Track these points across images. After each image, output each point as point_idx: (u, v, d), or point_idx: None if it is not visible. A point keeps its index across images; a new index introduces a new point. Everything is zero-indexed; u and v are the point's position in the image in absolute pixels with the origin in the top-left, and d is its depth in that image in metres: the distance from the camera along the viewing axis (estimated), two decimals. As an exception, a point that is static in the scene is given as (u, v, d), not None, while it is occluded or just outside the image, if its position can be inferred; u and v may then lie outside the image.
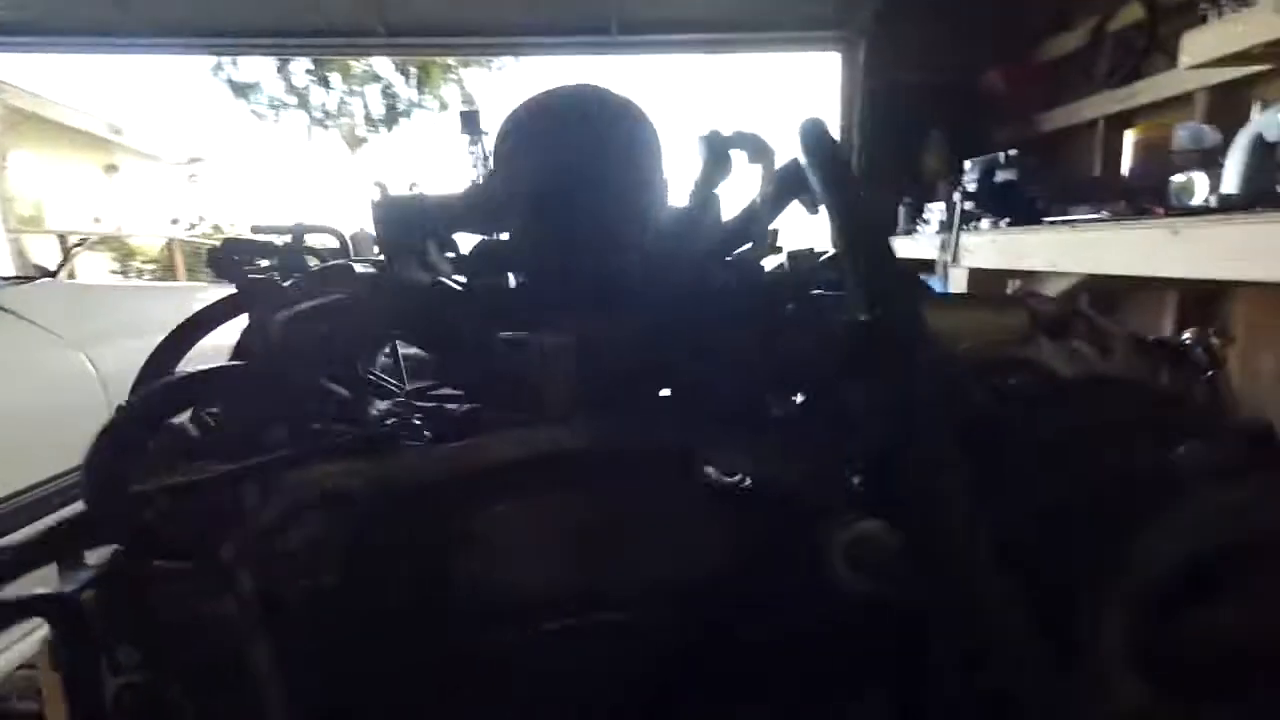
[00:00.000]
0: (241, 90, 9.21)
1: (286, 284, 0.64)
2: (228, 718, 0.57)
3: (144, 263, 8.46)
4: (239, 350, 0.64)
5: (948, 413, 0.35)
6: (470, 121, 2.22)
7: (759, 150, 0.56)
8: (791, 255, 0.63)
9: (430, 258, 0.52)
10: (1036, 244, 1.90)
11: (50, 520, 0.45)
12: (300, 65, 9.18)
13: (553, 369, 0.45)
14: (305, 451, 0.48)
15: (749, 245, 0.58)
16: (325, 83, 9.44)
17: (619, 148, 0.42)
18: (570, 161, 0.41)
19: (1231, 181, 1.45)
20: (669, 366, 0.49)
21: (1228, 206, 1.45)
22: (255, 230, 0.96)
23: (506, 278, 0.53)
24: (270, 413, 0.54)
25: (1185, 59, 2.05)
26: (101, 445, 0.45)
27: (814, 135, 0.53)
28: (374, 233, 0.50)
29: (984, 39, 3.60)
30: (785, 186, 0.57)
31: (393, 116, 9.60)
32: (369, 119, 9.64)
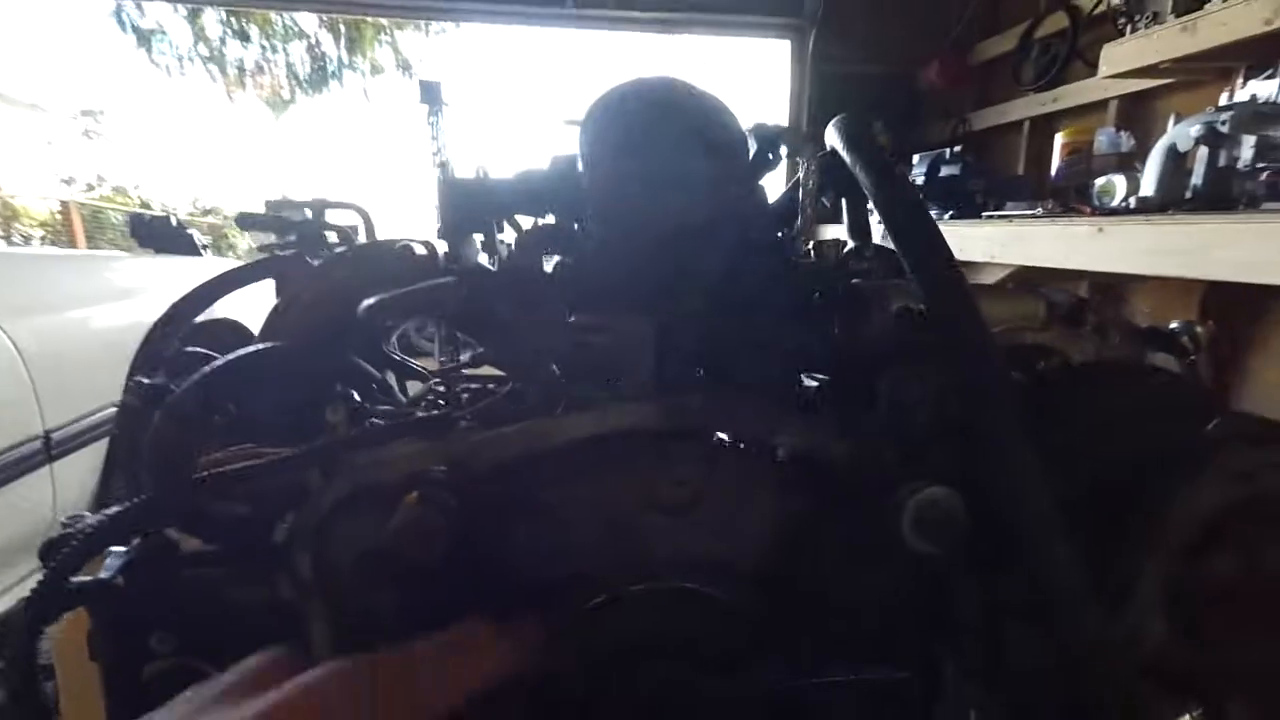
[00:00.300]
0: (144, 37, 8.27)
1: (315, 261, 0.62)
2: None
3: (31, 226, 7.52)
4: (268, 329, 0.62)
5: (1010, 389, 0.40)
6: (430, 92, 2.12)
7: (799, 142, 0.60)
8: (818, 246, 0.67)
9: (494, 241, 0.53)
10: (977, 237, 2.05)
11: (118, 506, 0.43)
12: (213, 15, 8.34)
13: (631, 351, 0.47)
14: (372, 432, 0.48)
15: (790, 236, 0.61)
16: (243, 36, 8.63)
17: (708, 141, 0.44)
18: (662, 153, 0.43)
19: (1149, 186, 1.62)
20: (731, 351, 0.52)
21: (1145, 209, 1.62)
22: (270, 206, 0.90)
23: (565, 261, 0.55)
24: (317, 395, 0.53)
25: (1104, 68, 2.25)
26: (163, 429, 0.43)
27: (852, 128, 0.57)
28: (438, 212, 0.50)
29: (924, 37, 3.80)
30: (824, 179, 0.61)
31: (320, 78, 8.92)
32: (293, 78, 8.91)
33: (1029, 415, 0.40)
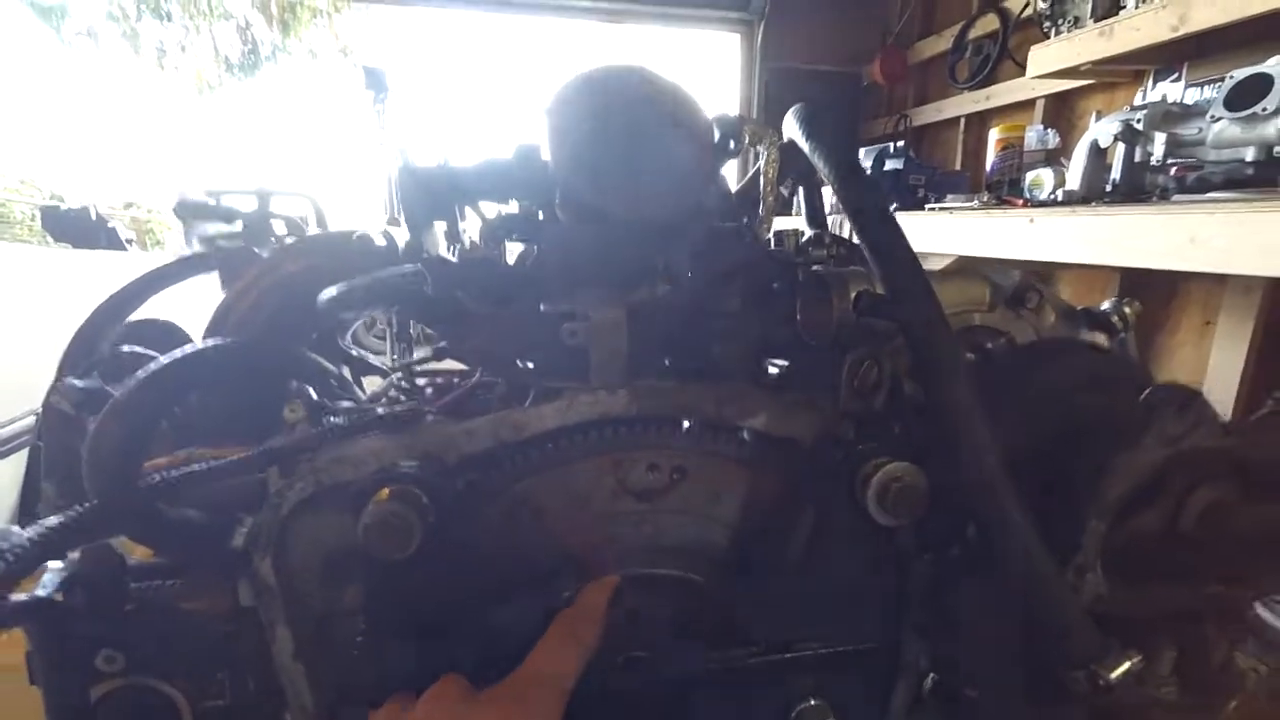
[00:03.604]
0: (45, 12, 7.58)
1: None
2: (230, 714, 0.54)
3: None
4: (215, 324, 0.59)
5: (960, 363, 0.42)
6: (374, 78, 2.06)
7: (759, 132, 0.61)
8: (779, 234, 0.69)
9: (456, 229, 0.52)
10: (919, 227, 2.14)
11: (58, 517, 0.40)
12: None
13: (605, 339, 0.47)
14: (335, 430, 0.46)
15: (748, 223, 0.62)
16: (163, 14, 8.02)
17: (674, 130, 0.44)
18: (624, 139, 0.43)
19: (1074, 180, 1.73)
20: (697, 335, 0.53)
21: (1070, 201, 1.73)
22: (211, 194, 0.84)
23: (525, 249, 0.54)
24: (271, 393, 0.51)
25: (1031, 69, 2.38)
26: (109, 430, 0.40)
27: (811, 117, 0.59)
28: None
29: (866, 35, 3.92)
30: (784, 168, 0.62)
31: (252, 62, 8.40)
32: (222, 62, 8.35)
33: (981, 390, 0.43)
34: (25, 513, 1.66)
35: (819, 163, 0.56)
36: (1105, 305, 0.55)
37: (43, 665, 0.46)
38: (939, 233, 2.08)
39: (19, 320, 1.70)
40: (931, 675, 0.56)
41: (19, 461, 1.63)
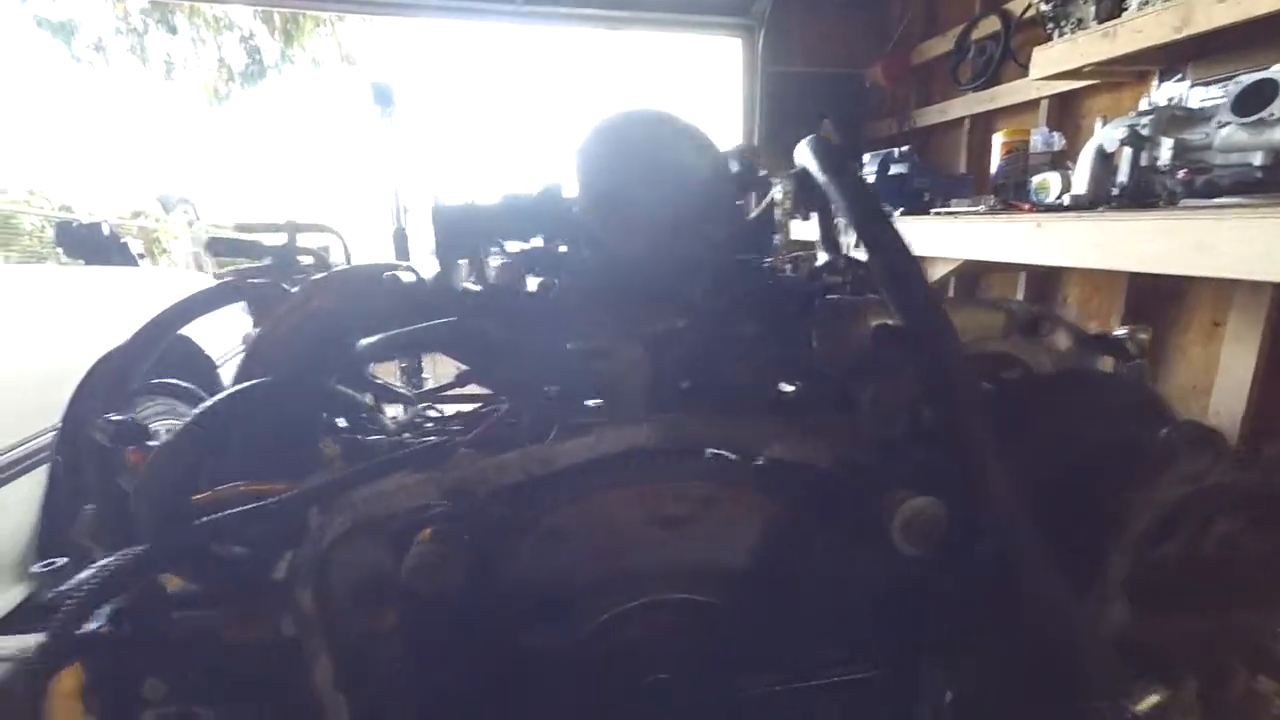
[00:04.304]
0: (59, 30, 7.66)
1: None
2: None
3: (-71, 232, 6.90)
4: (250, 357, 0.60)
5: (979, 399, 0.43)
6: (382, 94, 2.08)
7: (773, 162, 0.62)
8: (794, 259, 0.70)
9: (482, 263, 0.53)
10: (925, 232, 2.14)
11: (114, 559, 0.42)
12: (136, 4, 7.79)
13: (629, 374, 0.49)
14: (372, 467, 0.48)
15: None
16: (169, 26, 8.09)
17: (698, 172, 0.46)
18: (648, 181, 0.45)
19: (1081, 184, 1.73)
20: (716, 365, 0.55)
21: (1077, 206, 1.74)
22: (241, 228, 0.86)
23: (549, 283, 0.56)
24: (308, 424, 0.53)
25: (1034, 70, 2.38)
26: (161, 474, 0.42)
27: (825, 148, 0.60)
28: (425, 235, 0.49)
29: (868, 38, 3.92)
30: (798, 197, 0.64)
31: (257, 71, 8.46)
32: (226, 73, 8.42)
33: (1001, 422, 0.44)
34: (47, 526, 1.69)
35: (834, 195, 0.57)
36: (1119, 331, 0.56)
37: (94, 695, 0.48)
38: (945, 237, 2.09)
39: (36, 340, 1.73)
40: (948, 696, 0.57)
41: (40, 477, 1.66)
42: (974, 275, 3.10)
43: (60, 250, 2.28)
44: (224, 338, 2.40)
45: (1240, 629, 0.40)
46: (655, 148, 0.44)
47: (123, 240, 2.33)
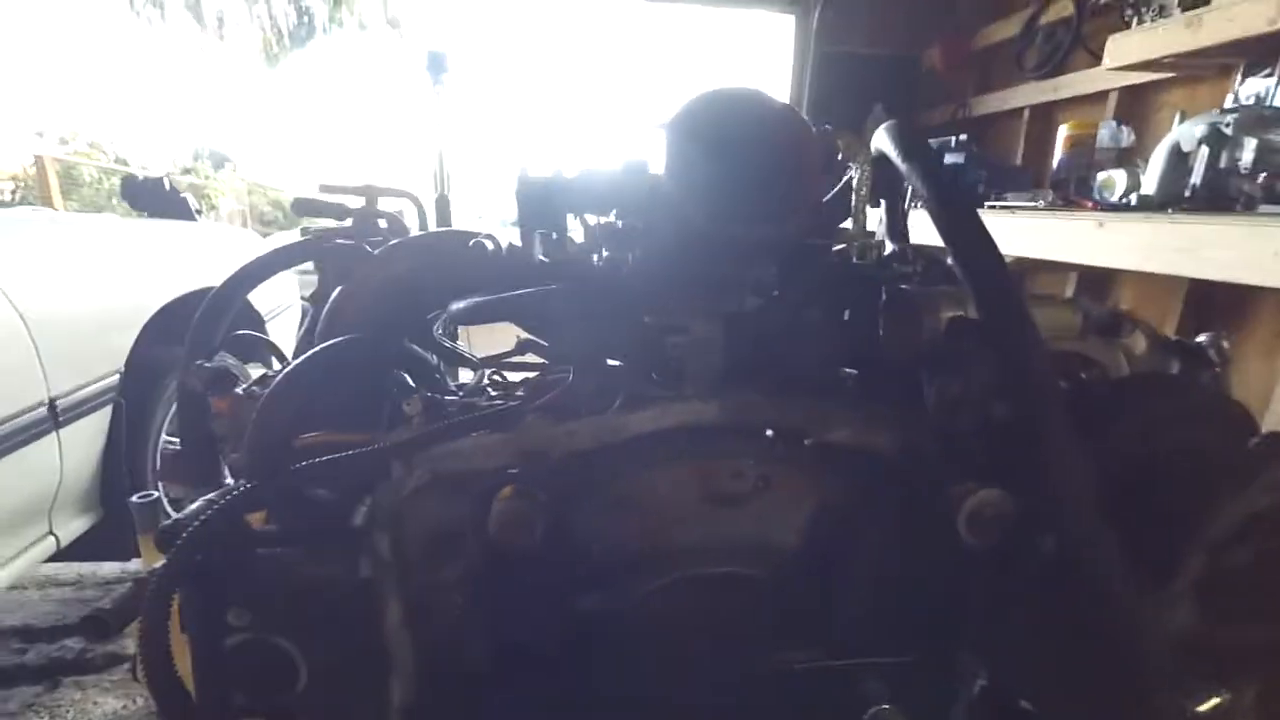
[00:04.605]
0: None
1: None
2: (340, 671, 0.59)
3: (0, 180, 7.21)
4: (332, 315, 0.63)
5: (1058, 396, 0.43)
6: (436, 62, 2.09)
7: (854, 146, 0.62)
8: (864, 247, 0.70)
9: (564, 234, 0.54)
10: (979, 226, 2.09)
11: (216, 494, 0.45)
12: (190, -41, 7.92)
13: (704, 351, 0.50)
14: (451, 426, 0.50)
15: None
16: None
17: (780, 151, 0.46)
18: (746, 165, 0.45)
19: (1151, 183, 1.66)
20: (783, 350, 0.55)
21: (1146, 206, 1.67)
22: (324, 189, 0.89)
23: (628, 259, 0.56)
24: (383, 381, 0.55)
25: (1108, 60, 2.27)
26: (268, 421, 0.45)
27: (906, 134, 0.59)
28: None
29: (927, 18, 3.77)
30: (875, 183, 0.63)
31: (307, 32, 8.55)
32: (276, 33, 8.53)
33: (1079, 421, 0.43)
34: (112, 464, 1.79)
35: (916, 183, 0.56)
36: (1202, 338, 0.55)
37: (188, 617, 0.52)
38: (999, 233, 2.02)
39: (101, 289, 1.81)
40: (980, 683, 0.57)
41: (105, 417, 1.75)
42: (1023, 273, 3.01)
43: (126, 202, 2.36)
44: (270, 295, 2.48)
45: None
46: (746, 127, 0.44)
47: (183, 196, 2.41)
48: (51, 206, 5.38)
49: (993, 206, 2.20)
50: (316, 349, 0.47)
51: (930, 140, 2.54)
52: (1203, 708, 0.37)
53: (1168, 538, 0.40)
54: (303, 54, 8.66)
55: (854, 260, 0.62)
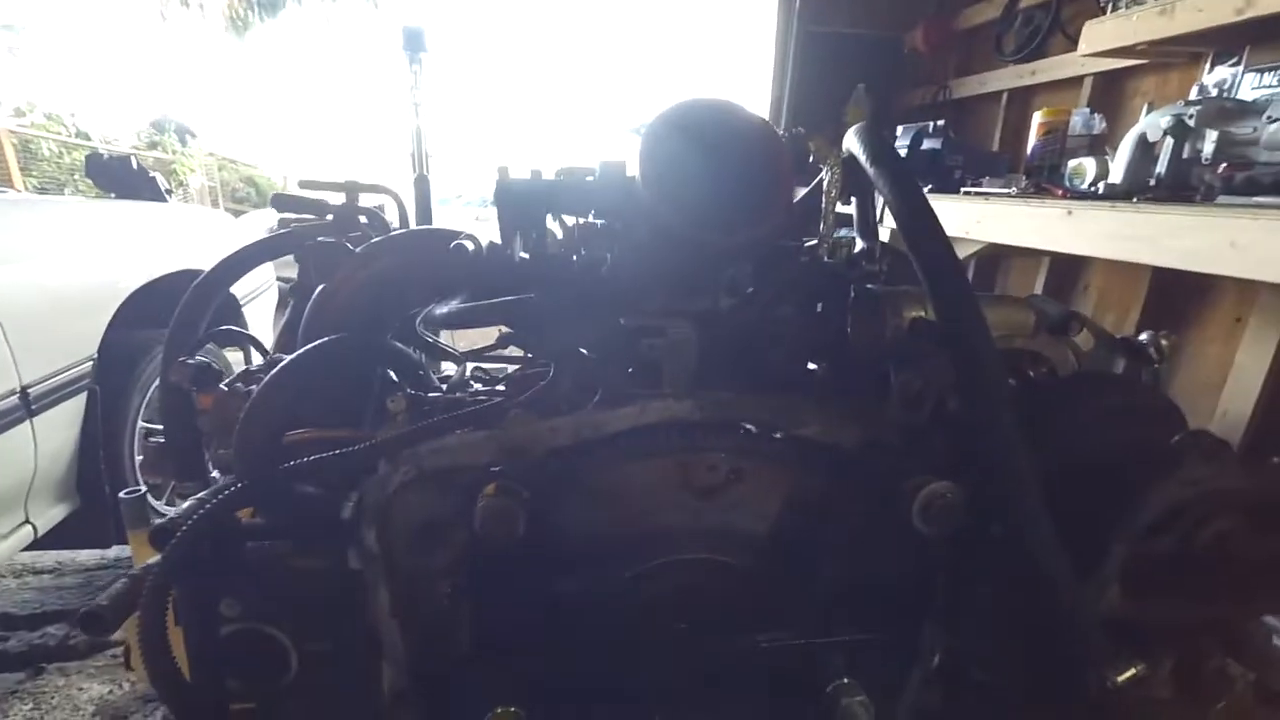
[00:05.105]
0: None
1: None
2: (327, 658, 0.62)
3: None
4: (314, 312, 0.64)
5: (1006, 395, 0.47)
6: (413, 40, 2.05)
7: (824, 148, 0.64)
8: (833, 245, 0.72)
9: (542, 236, 0.56)
10: (953, 212, 2.12)
11: (208, 492, 0.46)
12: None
13: (678, 353, 0.52)
14: (435, 425, 0.52)
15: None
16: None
17: (758, 162, 0.48)
18: (709, 167, 0.47)
19: (1118, 172, 1.71)
20: (753, 349, 0.58)
21: (1112, 194, 1.72)
22: (304, 185, 0.88)
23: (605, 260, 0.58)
24: (367, 378, 0.56)
25: (1084, 45, 2.30)
26: (257, 418, 0.46)
27: (873, 137, 0.61)
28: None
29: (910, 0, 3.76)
30: (845, 183, 0.65)
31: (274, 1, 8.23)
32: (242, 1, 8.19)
33: (1023, 417, 0.47)
34: (88, 452, 1.77)
35: (880, 186, 0.59)
36: (1143, 336, 0.59)
37: (183, 611, 0.54)
38: (973, 219, 2.07)
39: (71, 273, 1.77)
40: (936, 655, 0.62)
41: (80, 404, 1.73)
42: (997, 258, 3.06)
43: (89, 180, 2.29)
44: (246, 279, 2.43)
45: (1221, 618, 0.44)
46: (718, 135, 0.46)
47: (151, 175, 2.34)
48: (11, 184, 5.16)
49: (968, 192, 2.24)
50: (303, 350, 0.48)
51: (909, 125, 2.56)
52: (1122, 677, 0.41)
53: (1099, 526, 0.44)
54: (274, 24, 8.35)
55: (824, 259, 0.65)
